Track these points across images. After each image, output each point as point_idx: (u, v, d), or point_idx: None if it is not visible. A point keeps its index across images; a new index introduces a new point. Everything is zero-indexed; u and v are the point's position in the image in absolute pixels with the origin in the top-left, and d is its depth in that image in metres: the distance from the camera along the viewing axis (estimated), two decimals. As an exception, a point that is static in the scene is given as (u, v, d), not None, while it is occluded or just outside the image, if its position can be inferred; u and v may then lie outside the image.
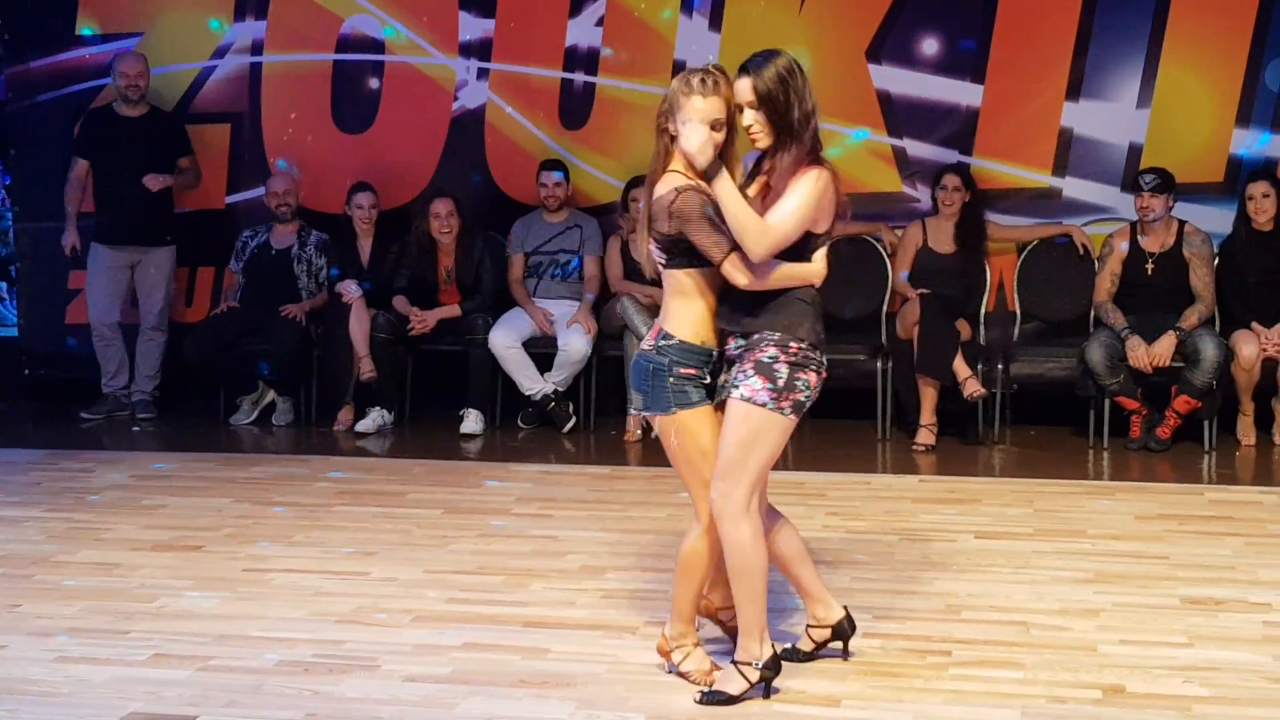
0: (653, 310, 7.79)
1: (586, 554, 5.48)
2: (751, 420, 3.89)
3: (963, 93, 8.11)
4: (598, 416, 8.11)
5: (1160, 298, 7.40)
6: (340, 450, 7.70)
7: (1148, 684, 4.08)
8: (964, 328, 7.63)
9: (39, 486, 6.82)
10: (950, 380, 7.39)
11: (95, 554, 5.61)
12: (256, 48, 8.95)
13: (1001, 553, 5.42)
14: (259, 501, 6.44)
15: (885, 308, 8.07)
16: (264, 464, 7.29)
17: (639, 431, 7.75)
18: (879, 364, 7.78)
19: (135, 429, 8.39)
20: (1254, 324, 7.32)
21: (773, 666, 3.99)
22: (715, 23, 8.35)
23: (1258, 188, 7.40)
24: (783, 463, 7.32)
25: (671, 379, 3.98)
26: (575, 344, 7.92)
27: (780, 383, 3.90)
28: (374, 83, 8.82)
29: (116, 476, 7.00)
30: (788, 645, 4.29)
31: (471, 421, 8.03)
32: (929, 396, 7.48)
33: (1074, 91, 7.99)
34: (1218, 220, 7.68)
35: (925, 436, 7.47)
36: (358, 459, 7.48)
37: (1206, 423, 7.29)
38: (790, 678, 4.13)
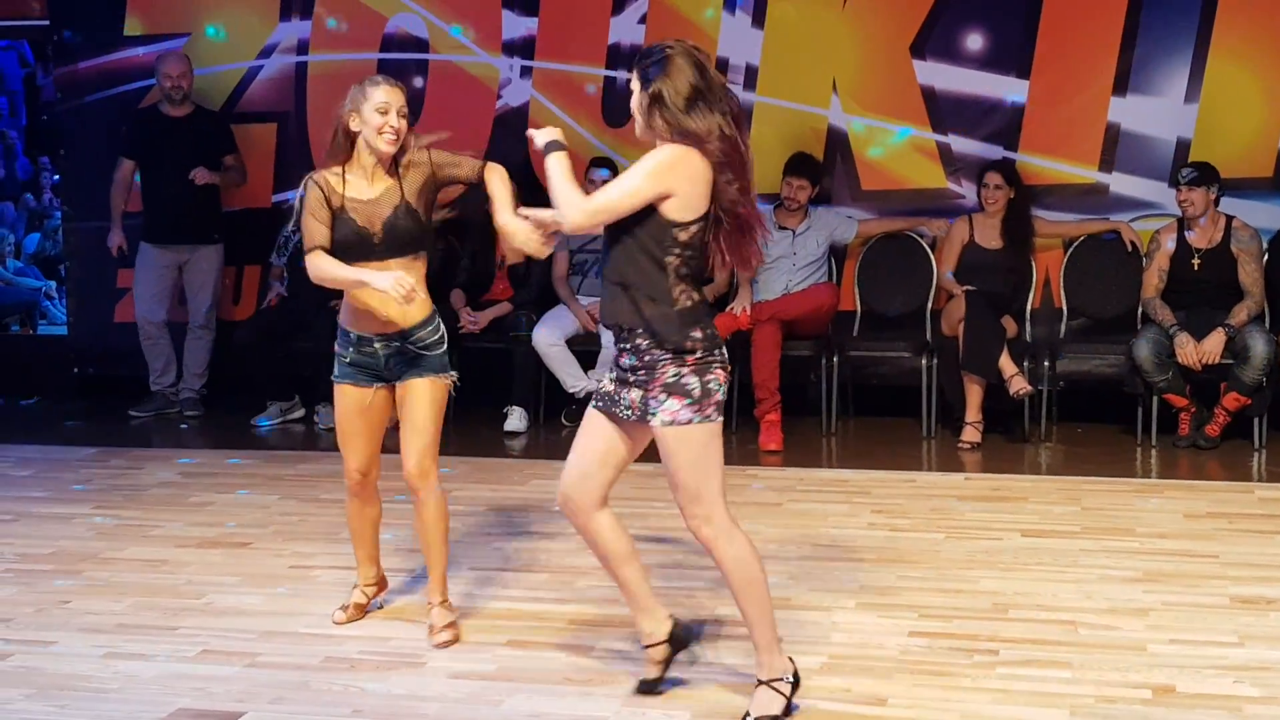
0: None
1: (631, 551, 5.47)
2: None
3: (1008, 88, 8.06)
4: (642, 414, 8.10)
5: (1208, 294, 7.33)
6: (385, 448, 7.70)
7: (1198, 684, 4.05)
8: (1010, 324, 7.58)
9: (88, 484, 6.88)
10: (996, 377, 7.35)
11: (144, 551, 5.65)
12: (302, 47, 9.00)
13: (1048, 551, 5.39)
14: (305, 498, 6.48)
15: (930, 304, 8.04)
16: (310, 461, 7.32)
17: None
18: (924, 361, 7.74)
19: (183, 426, 8.45)
20: (1304, 320, 7.26)
21: (797, 676, 3.91)
22: (758, 19, 8.33)
23: (1308, 181, 7.33)
24: (827, 459, 7.36)
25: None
26: (619, 341, 7.91)
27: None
28: (418, 81, 8.85)
29: (165, 474, 7.06)
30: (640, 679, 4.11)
31: (515, 419, 8.05)
32: (974, 394, 7.44)
33: (1121, 86, 7.92)
34: (1267, 216, 7.61)
35: (971, 434, 7.43)
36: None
37: (1256, 420, 7.23)
38: (835, 675, 4.13)
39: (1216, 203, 7.36)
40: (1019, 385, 7.29)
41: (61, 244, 10.25)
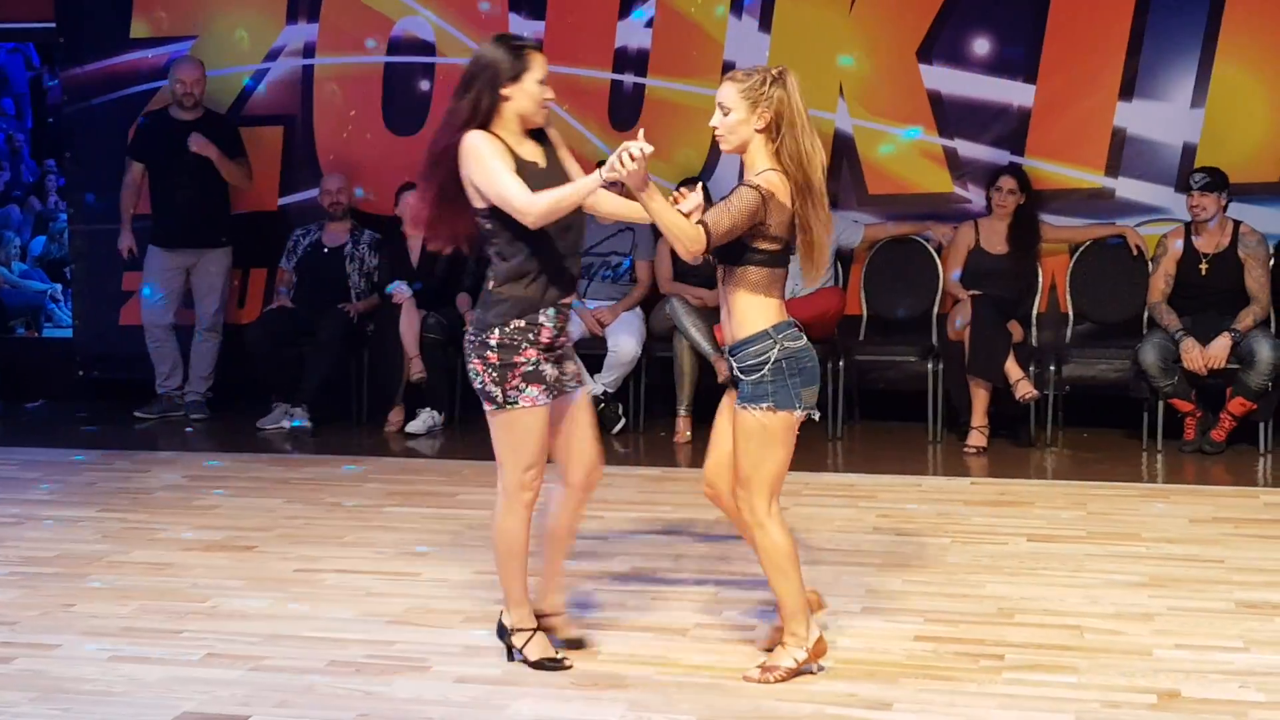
0: (702, 312, 7.78)
1: (637, 555, 5.48)
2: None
3: (1014, 92, 8.06)
4: (647, 418, 8.11)
5: (1215, 299, 7.33)
6: (391, 451, 7.73)
7: (1203, 689, 4.04)
8: (1016, 329, 7.58)
9: (93, 487, 6.89)
10: (1002, 382, 7.34)
11: (149, 554, 5.65)
12: (309, 50, 9.00)
13: (1054, 556, 5.38)
14: (311, 502, 6.48)
15: (936, 309, 8.03)
16: (315, 465, 7.32)
17: (689, 433, 7.73)
18: (930, 365, 7.74)
19: (188, 429, 8.45)
20: (1311, 325, 7.25)
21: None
22: (765, 23, 8.33)
23: (1315, 186, 7.32)
24: (832, 464, 7.36)
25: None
26: (625, 345, 7.91)
27: None
28: (425, 85, 8.85)
29: (170, 477, 7.06)
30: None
31: (522, 422, 8.03)
32: (980, 398, 7.44)
33: (1127, 91, 7.91)
34: (1274, 221, 7.60)
35: (976, 438, 7.42)
36: (408, 460, 7.51)
37: (1262, 425, 7.22)
38: (840, 680, 4.13)
39: (1225, 208, 7.35)
40: (1025, 390, 7.29)
41: (67, 247, 10.25)
